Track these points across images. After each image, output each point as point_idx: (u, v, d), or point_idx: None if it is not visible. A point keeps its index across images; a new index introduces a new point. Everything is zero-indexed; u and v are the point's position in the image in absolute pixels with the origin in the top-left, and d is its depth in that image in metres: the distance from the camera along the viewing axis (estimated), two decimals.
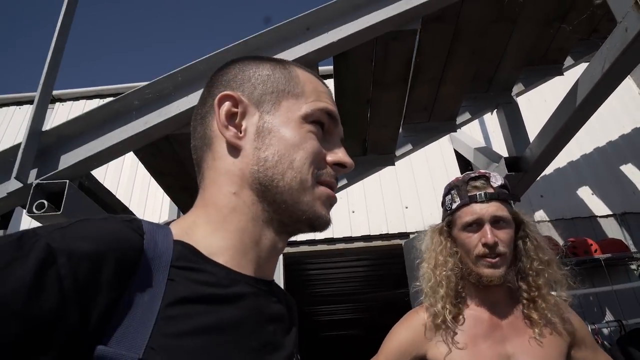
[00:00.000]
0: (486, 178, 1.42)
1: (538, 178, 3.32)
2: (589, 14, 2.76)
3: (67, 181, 1.62)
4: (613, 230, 3.78)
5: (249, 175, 0.61)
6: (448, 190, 1.50)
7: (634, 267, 3.55)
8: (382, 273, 5.44)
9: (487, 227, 1.35)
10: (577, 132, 2.56)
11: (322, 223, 0.62)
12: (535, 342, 1.31)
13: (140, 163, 2.17)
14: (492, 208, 1.36)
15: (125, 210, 2.17)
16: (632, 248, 3.60)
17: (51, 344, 0.39)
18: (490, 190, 1.39)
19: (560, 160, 4.12)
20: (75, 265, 0.42)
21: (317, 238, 3.78)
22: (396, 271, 5.08)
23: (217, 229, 0.60)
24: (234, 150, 0.62)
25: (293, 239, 3.55)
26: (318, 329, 9.13)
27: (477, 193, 1.39)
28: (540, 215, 3.91)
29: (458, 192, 1.45)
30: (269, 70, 0.66)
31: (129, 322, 0.45)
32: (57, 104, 4.97)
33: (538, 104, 4.20)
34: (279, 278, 3.18)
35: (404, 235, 3.75)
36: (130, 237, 0.50)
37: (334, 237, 3.78)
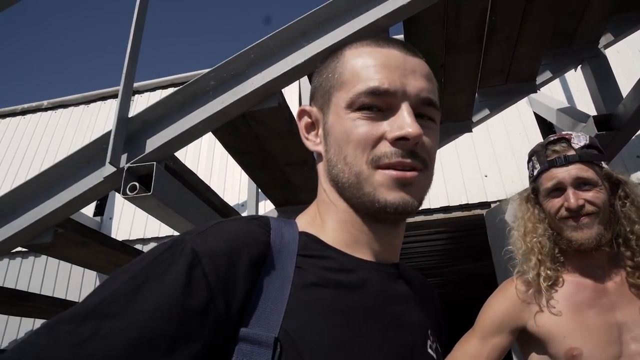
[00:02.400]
0: (566, 140, 1.33)
1: (633, 137, 3.05)
2: None
3: (155, 163, 1.71)
4: None
5: (328, 176, 0.67)
6: (530, 157, 1.44)
7: None
8: (462, 246, 5.31)
9: (570, 190, 1.27)
10: None
11: (392, 208, 0.59)
12: None
13: (217, 144, 2.24)
14: (574, 171, 1.27)
15: (208, 190, 2.26)
16: None
17: (204, 330, 0.47)
18: (571, 153, 1.30)
19: None
20: (216, 262, 0.50)
21: None
22: (476, 243, 4.93)
23: (326, 221, 0.66)
24: (318, 155, 0.70)
25: None
26: None
27: (556, 157, 1.31)
28: (637, 177, 3.60)
29: (538, 158, 1.38)
30: (325, 71, 0.70)
31: (264, 307, 0.52)
32: (136, 96, 5.24)
33: (630, 55, 3.84)
34: None
35: (484, 205, 3.61)
36: (257, 233, 0.58)
37: None
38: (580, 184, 1.27)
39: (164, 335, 0.44)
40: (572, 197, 1.25)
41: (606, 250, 1.29)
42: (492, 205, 3.45)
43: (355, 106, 0.62)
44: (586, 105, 3.28)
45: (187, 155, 4.51)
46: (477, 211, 3.62)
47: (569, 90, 4.00)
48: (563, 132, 1.39)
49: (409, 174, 0.60)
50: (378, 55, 0.65)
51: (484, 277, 6.33)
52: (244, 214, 3.57)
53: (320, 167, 0.70)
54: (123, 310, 0.45)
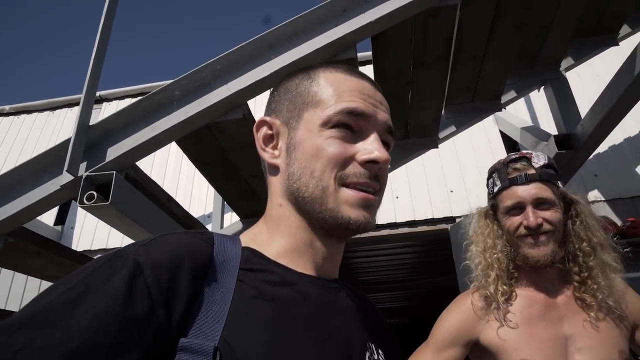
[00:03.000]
0: (527, 159, 1.37)
1: (591, 156, 3.15)
2: None
3: (114, 172, 1.66)
4: None
5: (286, 189, 0.67)
6: (490, 174, 1.47)
7: None
8: (429, 259, 5.36)
9: (530, 209, 1.30)
10: (635, 104, 2.41)
11: (356, 226, 0.63)
12: (590, 325, 1.26)
13: (185, 155, 2.21)
14: (534, 190, 1.31)
15: (170, 200, 2.22)
16: None
17: (144, 340, 0.47)
18: (532, 172, 1.34)
19: (615, 136, 3.90)
20: (158, 273, 0.51)
21: None
22: (443, 257, 4.99)
23: (274, 235, 0.67)
24: (274, 168, 0.70)
25: None
26: None
27: (517, 175, 1.35)
28: (594, 195, 3.72)
29: (499, 175, 1.41)
30: (294, 86, 0.72)
31: (205, 318, 0.52)
32: (105, 103, 5.14)
33: (589, 79, 3.99)
34: None
35: (450, 219, 3.66)
36: (201, 247, 0.58)
37: (379, 223, 3.74)
38: (539, 203, 1.30)
39: (102, 346, 0.44)
40: (532, 216, 1.28)
41: (558, 267, 1.33)
42: (457, 220, 3.50)
43: (330, 124, 0.65)
44: (549, 125, 3.38)
45: (154, 165, 4.44)
46: (442, 226, 3.67)
47: (533, 110, 4.11)
48: (524, 151, 1.42)
49: (371, 196, 0.64)
50: (354, 82, 0.69)
51: (450, 290, 6.40)
52: (209, 226, 3.52)
53: (275, 181, 0.70)
54: (60, 320, 0.44)
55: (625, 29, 3.21)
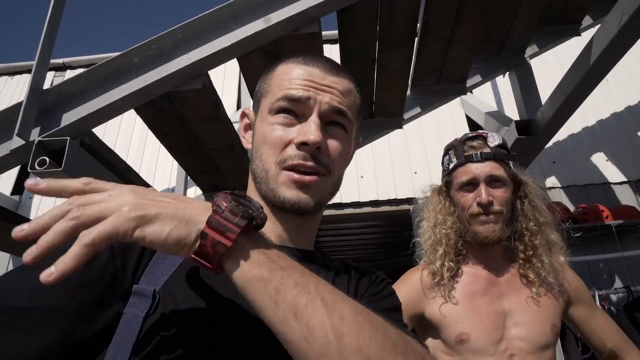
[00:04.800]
0: (483, 138, 1.42)
1: (551, 144, 3.25)
2: None
3: (68, 138, 1.63)
4: (627, 197, 3.70)
5: (250, 171, 0.77)
6: (446, 151, 1.50)
7: None
8: (392, 240, 5.44)
9: (482, 186, 1.34)
10: (590, 93, 2.48)
11: (289, 204, 0.70)
12: (532, 300, 1.32)
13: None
14: (488, 167, 1.36)
15: (129, 170, 2.18)
16: None
17: (102, 280, 0.58)
18: (487, 150, 1.38)
19: (575, 125, 4.02)
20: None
21: None
22: (405, 238, 5.08)
23: None
24: (249, 152, 0.79)
25: None
26: None
27: (473, 153, 1.39)
28: (552, 181, 3.84)
29: (455, 152, 1.44)
30: (261, 80, 0.81)
31: (155, 270, 0.62)
32: (68, 71, 4.97)
33: (554, 67, 4.08)
34: None
35: (412, 201, 3.72)
36: None
37: (342, 202, 3.77)
38: (492, 181, 1.34)
39: (69, 281, 0.51)
40: (484, 193, 1.33)
41: (504, 244, 1.38)
42: (419, 202, 3.56)
43: (274, 110, 0.73)
44: (513, 110, 3.45)
45: (118, 137, 4.34)
46: (405, 206, 3.72)
47: (498, 95, 4.19)
48: (480, 131, 1.46)
49: (307, 177, 0.70)
50: (301, 70, 0.74)
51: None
52: None
53: (249, 164, 0.79)
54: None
55: (587, 20, 3.29)
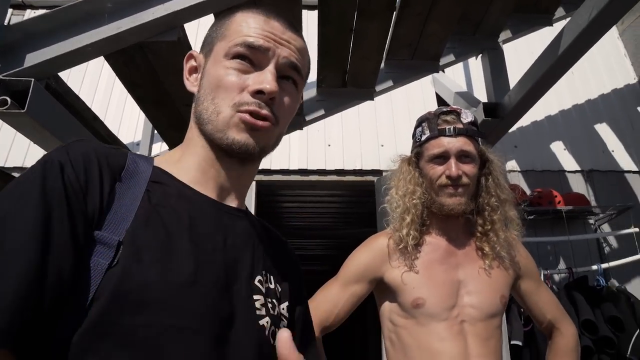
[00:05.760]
0: (457, 113, 1.46)
1: (514, 129, 3.35)
2: None
3: (32, 80, 1.57)
4: (579, 185, 3.89)
5: (194, 112, 0.77)
6: (419, 123, 1.53)
7: (591, 221, 3.69)
8: (354, 210, 5.53)
9: (453, 160, 1.39)
10: (556, 82, 2.57)
11: (237, 146, 0.71)
12: (484, 272, 1.41)
13: (117, 79, 2.12)
14: (460, 143, 1.41)
15: (95, 119, 2.14)
16: (593, 203, 3.73)
17: (65, 214, 0.56)
18: (460, 126, 1.43)
19: (538, 113, 4.15)
20: (77, 168, 0.60)
21: (291, 168, 3.79)
22: (367, 210, 5.19)
23: (184, 155, 0.77)
24: (194, 96, 0.78)
25: (267, 167, 3.49)
26: None
27: (447, 127, 1.43)
28: (512, 165, 3.98)
29: (429, 124, 1.48)
30: (215, 25, 0.81)
31: (115, 215, 0.61)
32: (29, 10, 4.67)
33: (525, 55, 4.16)
34: (250, 205, 3.21)
35: (377, 172, 3.78)
36: (115, 154, 0.68)
37: (308, 168, 3.80)
38: (462, 156, 1.40)
39: (28, 210, 0.54)
40: (454, 167, 1.38)
41: (466, 217, 1.45)
42: (384, 174, 3.63)
43: (230, 55, 0.73)
44: (481, 93, 3.52)
45: (83, 83, 4.18)
46: (370, 177, 3.78)
47: (469, 77, 4.26)
48: (453, 106, 1.50)
49: (259, 122, 0.71)
50: (261, 22, 0.76)
51: None
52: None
53: (193, 107, 0.78)
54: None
55: (560, 11, 3.37)
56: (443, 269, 1.40)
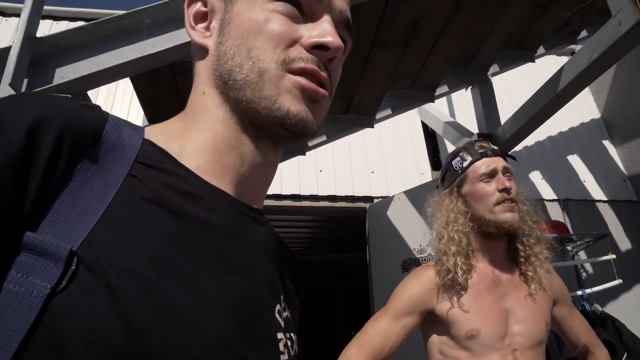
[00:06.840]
0: (487, 141, 1.55)
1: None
2: (579, 8, 2.90)
3: (69, 97, 1.50)
4: (556, 213, 4.10)
5: (213, 73, 0.54)
6: (455, 154, 1.58)
7: (569, 248, 3.88)
8: (327, 236, 5.53)
9: (501, 175, 1.45)
10: (550, 117, 2.72)
11: (294, 122, 0.50)
12: (530, 298, 1.44)
13: (117, 90, 2.05)
14: (502, 161, 1.48)
15: None
16: (570, 231, 3.93)
17: None
18: (495, 148, 1.51)
19: (517, 145, 4.38)
20: (15, 127, 0.38)
21: (283, 193, 3.77)
22: (341, 235, 5.22)
23: (190, 130, 0.53)
24: (203, 50, 0.56)
25: None
26: None
27: (487, 150, 1.49)
28: None
29: (468, 152, 1.54)
30: None
31: (69, 209, 0.39)
32: (50, 21, 4.38)
33: (514, 87, 4.40)
34: None
35: (368, 199, 3.83)
36: (86, 116, 0.44)
37: (301, 194, 3.79)
38: (506, 172, 1.46)
39: None
40: (506, 180, 1.43)
41: (507, 240, 1.50)
42: (375, 201, 3.68)
43: None
44: (465, 122, 3.66)
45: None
46: (361, 204, 3.82)
47: (452, 107, 4.43)
48: (480, 136, 1.57)
49: (321, 90, 0.52)
50: None
51: (342, 267, 6.70)
52: None
53: (201, 66, 0.56)
54: None
55: (541, 49, 3.60)
56: (492, 298, 1.42)
